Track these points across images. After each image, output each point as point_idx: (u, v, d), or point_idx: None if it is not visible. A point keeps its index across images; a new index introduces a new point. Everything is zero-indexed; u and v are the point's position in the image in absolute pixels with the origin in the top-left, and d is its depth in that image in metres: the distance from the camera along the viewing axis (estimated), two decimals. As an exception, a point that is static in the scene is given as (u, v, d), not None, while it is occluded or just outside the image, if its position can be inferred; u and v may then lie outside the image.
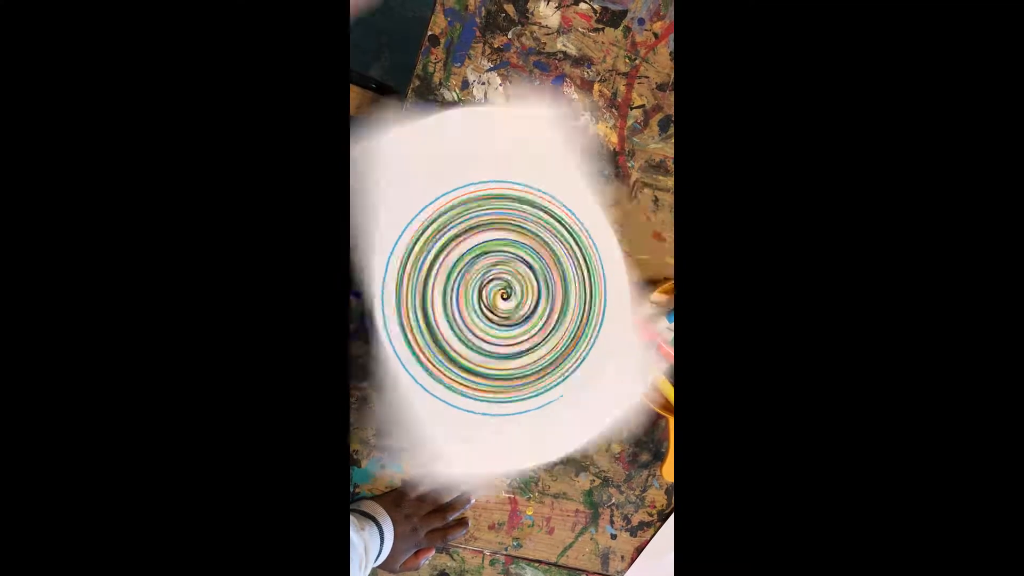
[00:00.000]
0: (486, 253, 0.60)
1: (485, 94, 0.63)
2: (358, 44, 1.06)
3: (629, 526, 0.64)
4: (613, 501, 0.64)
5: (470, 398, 0.59)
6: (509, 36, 0.63)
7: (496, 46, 0.63)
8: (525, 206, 0.60)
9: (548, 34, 0.63)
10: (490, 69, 0.63)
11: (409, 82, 0.62)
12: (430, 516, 0.60)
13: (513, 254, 0.60)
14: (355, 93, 0.76)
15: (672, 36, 0.64)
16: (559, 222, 0.60)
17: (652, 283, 0.62)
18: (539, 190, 0.60)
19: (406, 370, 0.58)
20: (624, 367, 0.60)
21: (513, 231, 0.60)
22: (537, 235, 0.60)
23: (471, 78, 0.63)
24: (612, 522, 0.64)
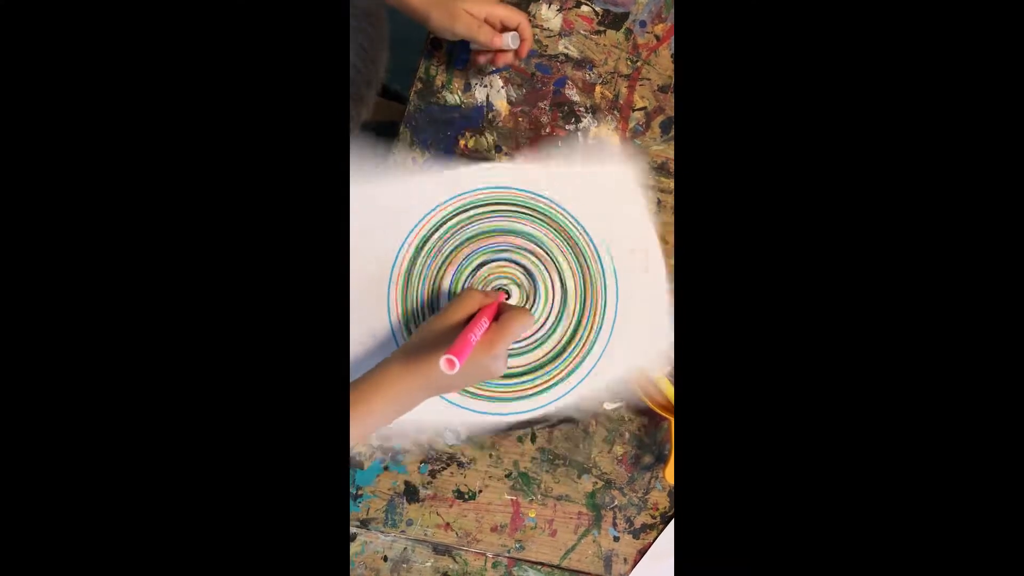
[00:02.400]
0: (488, 258, 0.60)
1: (487, 97, 0.63)
2: (361, 48, 1.06)
3: (632, 528, 0.64)
4: (616, 503, 0.63)
5: (479, 399, 0.59)
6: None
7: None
8: (528, 209, 0.60)
9: (550, 36, 0.64)
10: (492, 72, 0.63)
11: (411, 85, 0.63)
12: None
13: (516, 255, 0.60)
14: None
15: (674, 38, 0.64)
16: (562, 224, 0.60)
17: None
18: (543, 196, 0.60)
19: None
20: (629, 363, 0.60)
21: (516, 235, 0.60)
22: (542, 237, 0.60)
23: (473, 81, 0.63)
24: (615, 524, 0.64)
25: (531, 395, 0.60)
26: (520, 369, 0.60)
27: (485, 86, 0.63)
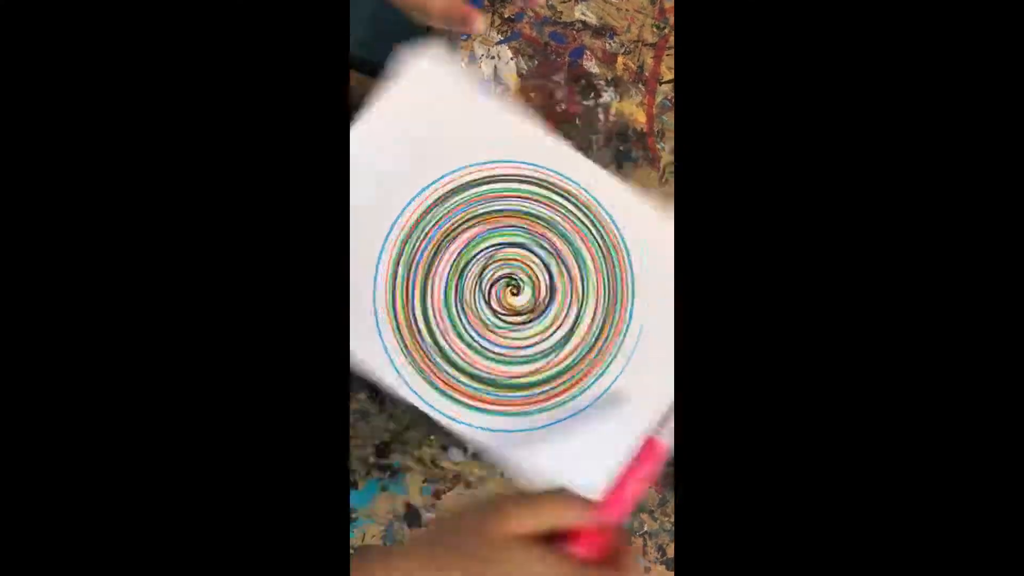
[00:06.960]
0: (492, 245, 0.54)
1: (495, 69, 0.57)
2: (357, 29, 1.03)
3: (664, 558, 0.57)
4: (645, 529, 0.56)
5: (479, 411, 0.53)
6: (521, 4, 0.58)
7: (506, 16, 0.58)
8: (537, 189, 0.54)
9: (564, 2, 0.58)
10: (500, 42, 0.58)
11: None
12: None
13: (524, 244, 0.54)
14: (353, 79, 0.72)
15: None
16: (578, 208, 0.54)
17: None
18: (554, 171, 0.54)
19: (403, 379, 0.52)
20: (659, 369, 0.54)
21: (523, 218, 0.54)
22: (553, 223, 0.54)
23: (479, 52, 0.57)
24: (644, 553, 0.56)
25: (546, 407, 0.54)
26: (534, 379, 0.54)
27: (492, 58, 0.57)
